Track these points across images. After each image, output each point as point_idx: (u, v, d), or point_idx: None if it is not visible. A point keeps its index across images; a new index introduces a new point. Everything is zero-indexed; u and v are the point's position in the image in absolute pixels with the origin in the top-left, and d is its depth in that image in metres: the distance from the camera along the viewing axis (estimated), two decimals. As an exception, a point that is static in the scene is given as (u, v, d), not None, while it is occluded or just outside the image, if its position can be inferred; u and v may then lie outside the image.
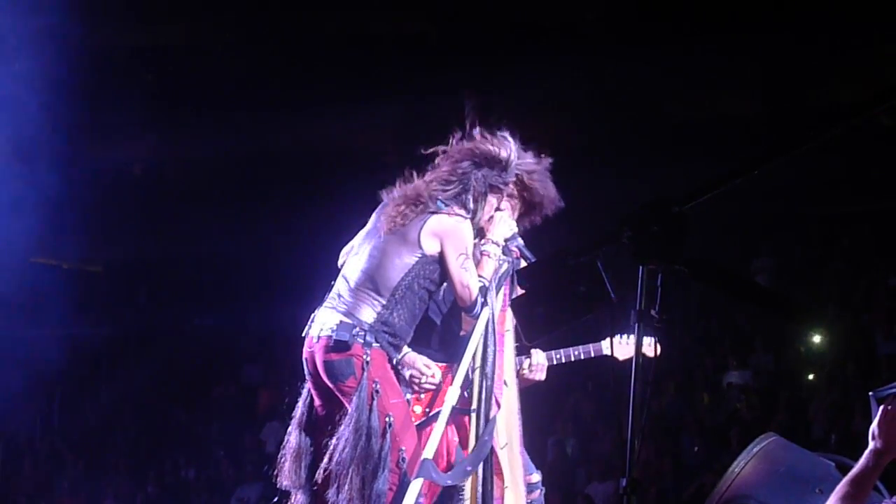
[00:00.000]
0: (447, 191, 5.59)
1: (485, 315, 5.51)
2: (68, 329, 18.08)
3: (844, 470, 4.29)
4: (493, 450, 5.55)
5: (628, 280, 2.71)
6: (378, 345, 5.43)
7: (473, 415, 5.50)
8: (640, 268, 2.59)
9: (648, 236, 2.58)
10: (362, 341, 5.39)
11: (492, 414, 5.50)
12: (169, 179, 17.63)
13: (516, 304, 2.74)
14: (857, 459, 4.24)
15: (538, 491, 6.07)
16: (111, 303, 18.15)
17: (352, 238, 5.84)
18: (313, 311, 5.66)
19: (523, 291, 2.83)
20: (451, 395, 5.49)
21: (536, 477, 6.09)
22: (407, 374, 5.71)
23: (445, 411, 5.43)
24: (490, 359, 5.52)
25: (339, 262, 5.80)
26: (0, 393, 16.08)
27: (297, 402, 5.75)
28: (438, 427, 5.39)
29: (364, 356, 5.37)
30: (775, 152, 2.74)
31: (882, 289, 15.36)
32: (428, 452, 5.30)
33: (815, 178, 16.92)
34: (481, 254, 5.64)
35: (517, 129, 5.83)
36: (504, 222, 5.71)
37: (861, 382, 13.64)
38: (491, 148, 5.66)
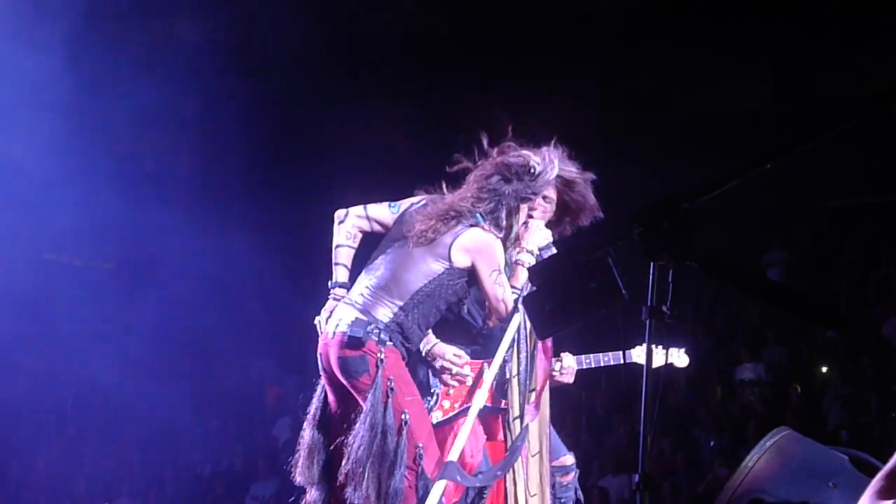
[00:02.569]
0: (479, 205, 5.59)
1: (515, 321, 5.52)
2: (82, 325, 18.12)
3: (858, 464, 4.28)
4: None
5: (639, 276, 2.71)
6: (392, 343, 5.44)
7: (517, 421, 5.52)
8: (651, 264, 2.60)
9: (659, 233, 2.59)
10: (377, 339, 5.40)
11: (527, 420, 5.51)
12: (179, 177, 17.66)
13: (528, 301, 2.75)
14: (871, 453, 4.24)
15: (573, 473, 6.12)
16: (122, 299, 18.14)
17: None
18: (325, 307, 5.68)
19: (535, 288, 2.84)
20: (479, 398, 5.51)
21: (570, 459, 6.13)
22: (438, 364, 5.74)
23: (473, 414, 5.45)
24: (524, 364, 5.53)
25: (338, 221, 5.79)
26: (14, 391, 16.14)
27: (311, 398, 5.76)
28: (465, 429, 5.41)
29: (378, 353, 5.38)
30: (787, 147, 2.74)
31: (895, 281, 15.32)
32: (453, 455, 5.30)
33: (827, 172, 16.90)
34: (515, 263, 5.65)
35: (530, 121, 5.83)
36: (539, 231, 5.71)
37: (874, 376, 13.64)
38: (520, 160, 5.65)
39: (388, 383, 5.36)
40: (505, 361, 5.54)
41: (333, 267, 5.77)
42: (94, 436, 17.96)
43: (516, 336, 5.51)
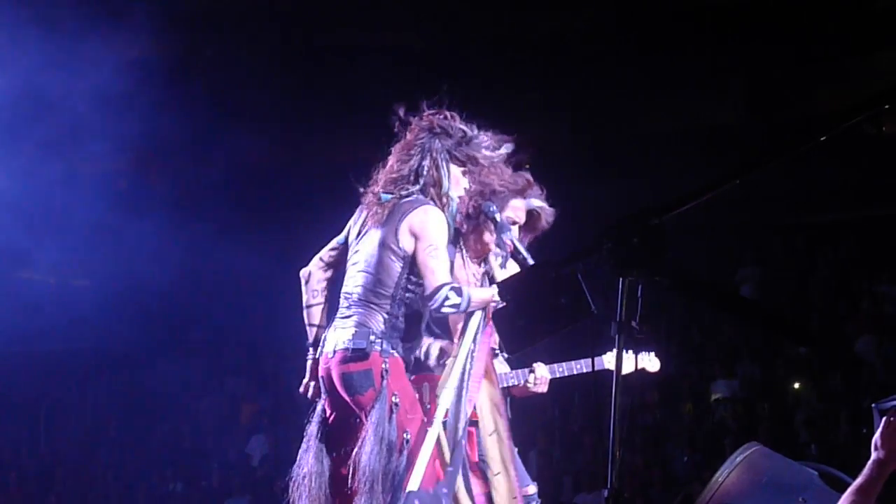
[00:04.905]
0: (406, 165, 5.58)
1: (466, 346, 5.51)
2: (55, 343, 18.05)
3: (827, 478, 4.30)
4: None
5: (609, 292, 2.71)
6: (395, 352, 5.42)
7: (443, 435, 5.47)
8: (621, 280, 2.60)
9: (628, 248, 2.59)
10: (380, 349, 5.37)
11: (459, 435, 5.45)
12: (158, 194, 17.62)
13: (498, 317, 2.73)
14: (841, 469, 4.27)
15: (534, 503, 6.09)
16: (97, 317, 18.09)
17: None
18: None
19: (504, 304, 2.83)
20: (439, 415, 5.48)
21: (532, 489, 6.10)
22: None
23: (432, 436, 5.42)
24: (465, 381, 5.50)
25: (304, 281, 5.81)
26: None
27: (311, 420, 5.71)
28: (425, 452, 5.37)
29: (383, 365, 5.36)
30: (755, 163, 2.74)
31: (867, 297, 15.39)
32: (413, 484, 5.25)
33: (800, 187, 16.97)
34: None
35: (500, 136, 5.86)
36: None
37: (846, 391, 13.70)
38: (446, 121, 5.68)
39: (393, 398, 5.33)
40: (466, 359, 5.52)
41: (308, 328, 5.76)
42: (65, 454, 17.89)
43: (467, 353, 5.50)
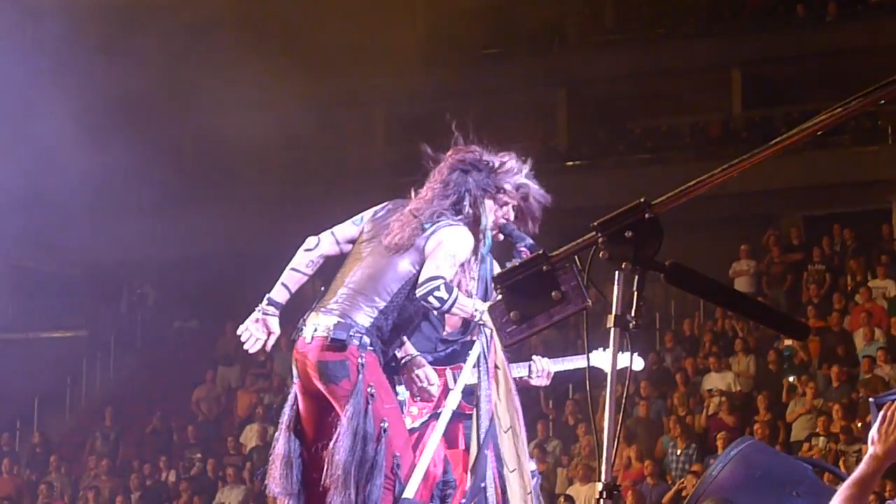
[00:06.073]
0: (445, 202, 5.56)
1: (477, 349, 5.51)
2: (49, 331, 18.05)
3: (822, 473, 4.29)
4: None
5: (604, 285, 2.71)
6: (372, 348, 5.40)
7: (473, 446, 5.48)
8: (616, 273, 2.59)
9: (623, 241, 2.58)
10: (358, 343, 5.34)
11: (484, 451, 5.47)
12: (151, 182, 17.61)
13: (492, 310, 2.75)
14: (835, 462, 4.28)
15: (535, 479, 6.08)
16: (91, 305, 18.10)
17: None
18: (296, 314, 5.64)
19: (499, 297, 2.82)
20: (450, 405, 5.48)
21: (532, 465, 6.10)
22: (414, 374, 5.69)
23: (443, 421, 5.41)
24: (483, 395, 5.50)
25: (306, 248, 5.74)
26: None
27: (282, 406, 5.69)
28: (435, 436, 5.37)
29: (359, 358, 5.34)
30: (751, 156, 2.73)
31: (862, 291, 15.40)
32: (409, 492, 5.25)
33: (796, 182, 16.98)
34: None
35: (498, 131, 5.84)
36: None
37: (841, 385, 13.71)
38: (474, 155, 5.65)
39: (369, 390, 5.30)
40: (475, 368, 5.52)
41: (278, 284, 5.70)
42: (58, 443, 17.89)
43: (478, 362, 5.48)
